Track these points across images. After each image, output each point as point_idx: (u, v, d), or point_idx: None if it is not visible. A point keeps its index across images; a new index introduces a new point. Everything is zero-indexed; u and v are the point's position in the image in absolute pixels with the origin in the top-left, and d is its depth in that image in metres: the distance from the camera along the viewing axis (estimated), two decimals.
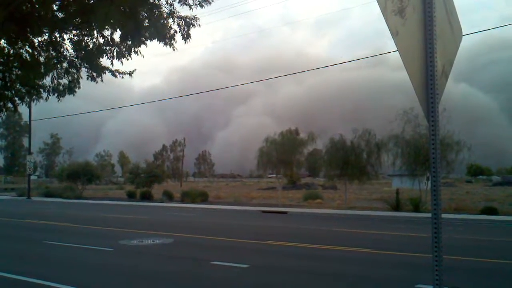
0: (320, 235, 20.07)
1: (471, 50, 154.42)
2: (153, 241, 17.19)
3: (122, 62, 9.23)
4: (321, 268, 12.43)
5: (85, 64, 9.39)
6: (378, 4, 3.22)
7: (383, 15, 3.26)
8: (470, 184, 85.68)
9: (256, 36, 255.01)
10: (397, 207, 32.98)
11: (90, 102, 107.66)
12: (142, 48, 9.33)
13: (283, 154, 39.85)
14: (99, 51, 9.09)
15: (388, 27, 3.29)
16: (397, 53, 3.42)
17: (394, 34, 3.32)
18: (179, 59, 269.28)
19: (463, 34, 4.32)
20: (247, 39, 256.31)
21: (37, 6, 8.21)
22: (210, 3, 8.85)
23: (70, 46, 9.10)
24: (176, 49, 9.41)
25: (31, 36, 8.81)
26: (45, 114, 50.90)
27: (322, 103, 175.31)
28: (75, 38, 8.98)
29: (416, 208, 31.41)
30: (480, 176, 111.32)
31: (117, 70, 9.74)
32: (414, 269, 12.27)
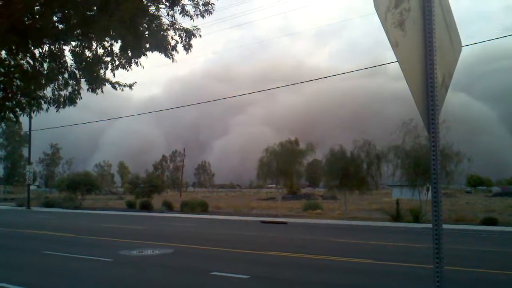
0: (320, 245, 20.01)
1: (469, 60, 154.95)
2: (153, 251, 17.14)
3: (115, 73, 9.27)
4: (321, 279, 12.38)
5: (85, 75, 9.42)
6: (378, 16, 3.25)
7: (383, 27, 3.28)
8: (470, 195, 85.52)
9: (256, 46, 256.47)
10: (397, 217, 32.92)
11: (89, 111, 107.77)
12: (142, 59, 9.37)
13: (283, 165, 39.87)
14: (99, 62, 9.12)
15: (388, 39, 3.32)
16: (396, 64, 3.44)
17: (394, 45, 3.34)
18: (179, 70, 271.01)
19: (462, 45, 4.35)
20: (248, 50, 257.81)
21: (37, 17, 8.25)
22: (211, 12, 8.89)
23: (71, 57, 9.13)
24: (176, 60, 9.45)
25: (32, 48, 8.84)
26: (44, 124, 50.83)
27: (321, 112, 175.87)
28: (76, 49, 9.01)
29: (416, 218, 31.36)
30: (480, 187, 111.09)
31: (117, 82, 9.76)
32: (415, 280, 12.23)
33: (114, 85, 9.71)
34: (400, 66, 3.41)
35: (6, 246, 19.53)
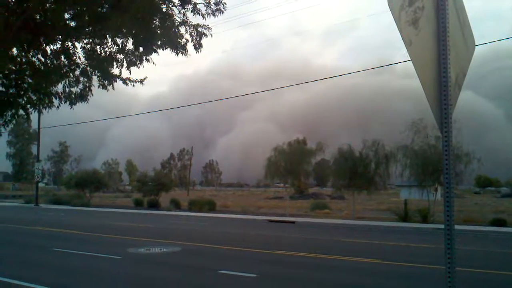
0: (328, 245, 19.99)
1: (475, 58, 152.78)
2: (160, 249, 17.18)
3: (130, 71, 9.30)
4: (329, 278, 12.37)
5: (96, 72, 9.46)
6: (392, 14, 3.24)
7: (397, 26, 3.27)
8: (478, 196, 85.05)
9: (265, 45, 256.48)
10: (405, 217, 32.77)
11: (97, 109, 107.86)
12: (153, 55, 9.40)
13: (291, 164, 39.79)
14: (111, 59, 9.16)
15: (402, 37, 3.30)
16: (402, 63, 3.44)
17: (408, 44, 3.33)
18: (186, 68, 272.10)
19: (476, 44, 4.32)
20: (256, 49, 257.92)
21: (49, 14, 8.30)
22: (222, 12, 8.90)
23: (82, 54, 9.17)
24: (189, 55, 9.44)
25: (44, 45, 8.89)
26: (51, 120, 50.87)
27: (327, 110, 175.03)
28: (87, 46, 9.05)
29: (425, 219, 31.21)
30: (489, 188, 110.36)
31: (128, 78, 9.78)
32: (426, 280, 12.19)
33: (125, 81, 9.74)
34: (413, 64, 3.40)
35: (17, 243, 19.65)
